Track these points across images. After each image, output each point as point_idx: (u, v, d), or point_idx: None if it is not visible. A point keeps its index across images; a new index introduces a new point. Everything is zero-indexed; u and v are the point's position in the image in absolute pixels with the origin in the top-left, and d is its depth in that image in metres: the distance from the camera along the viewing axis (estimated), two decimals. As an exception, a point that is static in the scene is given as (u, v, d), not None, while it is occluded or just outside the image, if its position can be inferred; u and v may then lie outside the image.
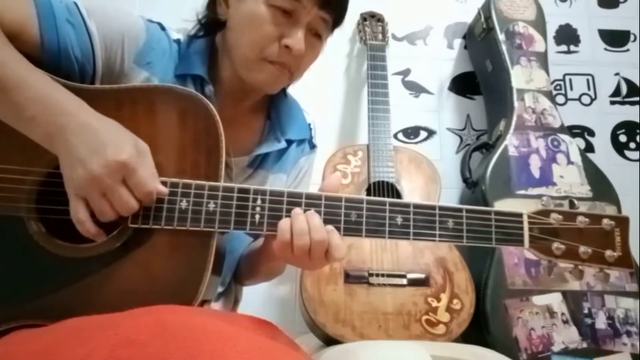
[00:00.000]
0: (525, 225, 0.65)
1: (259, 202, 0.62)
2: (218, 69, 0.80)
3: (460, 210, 0.64)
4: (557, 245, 0.64)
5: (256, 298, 0.95)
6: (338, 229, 0.62)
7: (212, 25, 0.80)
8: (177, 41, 0.79)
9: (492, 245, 0.64)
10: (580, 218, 0.64)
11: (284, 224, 0.61)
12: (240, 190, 0.62)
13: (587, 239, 0.64)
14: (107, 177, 0.56)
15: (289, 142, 0.86)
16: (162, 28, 0.78)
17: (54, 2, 0.67)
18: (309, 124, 0.93)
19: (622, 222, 0.65)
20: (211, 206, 0.61)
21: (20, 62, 0.60)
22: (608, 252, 0.63)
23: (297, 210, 0.62)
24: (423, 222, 0.64)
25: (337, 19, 0.76)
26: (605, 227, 0.64)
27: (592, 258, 0.64)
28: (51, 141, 0.58)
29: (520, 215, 0.65)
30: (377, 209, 0.63)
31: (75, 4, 0.69)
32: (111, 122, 0.60)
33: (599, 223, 0.64)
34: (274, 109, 0.87)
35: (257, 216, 0.62)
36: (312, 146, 0.94)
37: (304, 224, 0.60)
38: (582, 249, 0.64)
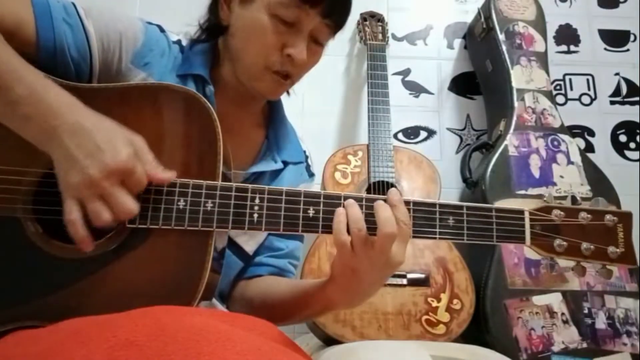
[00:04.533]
0: (527, 222, 0.63)
1: (257, 201, 0.62)
2: (220, 72, 0.80)
3: (460, 207, 0.63)
4: (559, 242, 0.63)
5: (256, 298, 0.94)
6: None
7: (214, 30, 0.80)
8: (178, 42, 0.79)
9: (493, 242, 0.63)
10: (582, 214, 0.63)
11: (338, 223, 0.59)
12: (238, 189, 0.62)
13: (589, 235, 0.63)
14: (106, 180, 0.55)
15: (285, 164, 0.85)
16: (162, 30, 0.78)
17: (52, 1, 0.67)
18: (304, 151, 0.93)
19: (625, 218, 0.63)
20: (209, 205, 0.61)
21: (15, 59, 0.59)
22: (611, 249, 0.62)
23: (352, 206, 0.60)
24: (423, 219, 0.63)
25: (340, 25, 0.76)
26: (608, 223, 0.63)
27: (594, 255, 0.62)
28: (44, 142, 0.57)
29: (521, 212, 0.64)
30: None
31: (73, 4, 0.69)
32: (105, 122, 0.59)
33: (601, 219, 0.63)
34: (272, 129, 0.87)
35: (256, 215, 0.61)
36: (310, 174, 0.94)
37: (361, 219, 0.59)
38: (585, 245, 0.62)
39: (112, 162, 0.55)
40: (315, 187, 0.97)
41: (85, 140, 0.56)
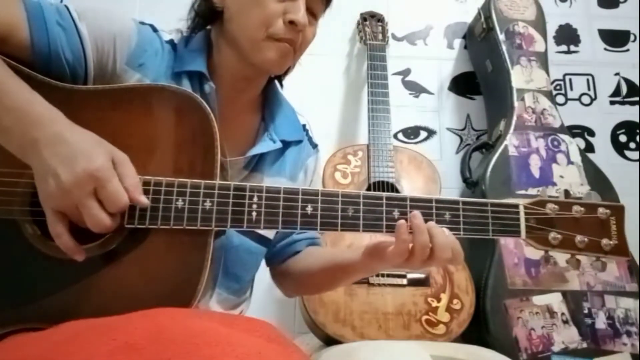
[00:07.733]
0: (522, 216, 0.65)
1: (255, 199, 0.62)
2: (215, 63, 0.80)
3: (457, 202, 0.65)
4: (553, 235, 0.64)
5: (256, 298, 0.94)
6: (335, 224, 0.63)
7: (208, 15, 0.80)
8: (170, 42, 0.79)
9: (489, 236, 0.64)
10: (575, 207, 0.65)
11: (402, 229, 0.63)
12: (237, 188, 0.62)
13: (583, 228, 0.64)
14: (77, 189, 0.54)
15: (285, 144, 0.85)
16: (154, 30, 0.78)
17: (44, 4, 0.67)
18: (304, 125, 0.93)
19: (618, 211, 0.65)
20: (207, 205, 0.61)
21: (1, 70, 0.59)
22: (604, 241, 0.64)
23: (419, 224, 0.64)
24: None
25: None
26: (601, 216, 0.64)
27: (588, 247, 0.64)
28: (24, 153, 0.57)
29: (516, 206, 0.65)
30: (374, 203, 0.64)
31: (66, 6, 0.69)
32: (87, 134, 0.58)
33: (594, 212, 0.65)
34: (267, 109, 0.87)
35: (254, 213, 0.62)
36: (314, 146, 0.94)
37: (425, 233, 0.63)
38: (579, 238, 0.64)
39: (81, 169, 0.54)
40: (321, 160, 0.98)
41: (62, 149, 0.55)
